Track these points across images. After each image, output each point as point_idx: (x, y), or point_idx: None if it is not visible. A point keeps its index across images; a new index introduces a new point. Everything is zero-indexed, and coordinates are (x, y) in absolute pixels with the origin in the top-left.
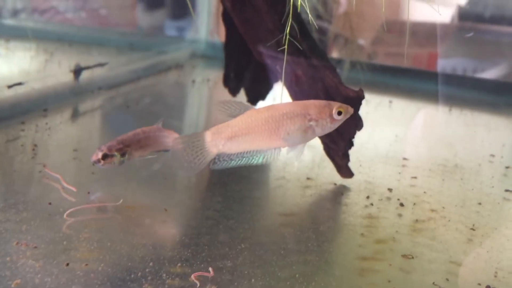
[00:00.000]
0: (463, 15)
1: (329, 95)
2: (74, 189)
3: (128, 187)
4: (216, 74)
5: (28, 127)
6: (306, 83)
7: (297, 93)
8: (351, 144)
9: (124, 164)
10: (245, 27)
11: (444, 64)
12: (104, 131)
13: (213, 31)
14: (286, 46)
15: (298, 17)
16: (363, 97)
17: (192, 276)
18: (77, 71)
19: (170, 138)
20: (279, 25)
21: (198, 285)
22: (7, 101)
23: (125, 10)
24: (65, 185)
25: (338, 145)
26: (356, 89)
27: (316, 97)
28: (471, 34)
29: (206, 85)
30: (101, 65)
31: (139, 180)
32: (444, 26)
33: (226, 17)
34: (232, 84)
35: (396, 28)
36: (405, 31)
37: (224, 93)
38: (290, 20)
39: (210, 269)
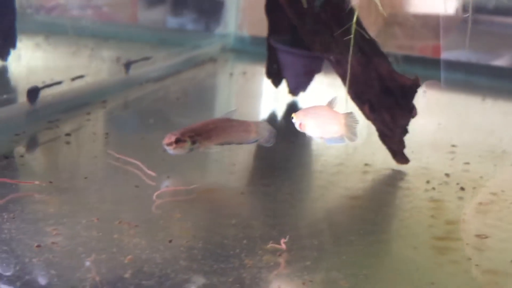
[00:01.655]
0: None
1: (383, 83)
2: (153, 174)
3: (201, 172)
4: (251, 67)
5: (93, 117)
6: (360, 72)
7: (351, 83)
8: (405, 131)
9: (192, 152)
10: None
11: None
12: (162, 121)
13: (242, 25)
14: (352, 38)
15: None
16: (419, 85)
17: (282, 243)
18: (127, 65)
19: (242, 129)
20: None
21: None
22: (72, 93)
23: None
24: (146, 170)
25: (393, 132)
26: (412, 77)
27: (370, 86)
28: (467, 15)
29: (243, 77)
30: (146, 58)
31: (209, 166)
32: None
33: (269, 10)
34: (274, 75)
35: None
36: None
37: (265, 85)
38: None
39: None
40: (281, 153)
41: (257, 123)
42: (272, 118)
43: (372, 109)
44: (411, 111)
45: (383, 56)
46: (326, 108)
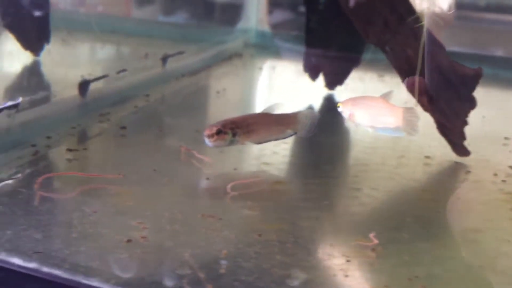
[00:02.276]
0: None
1: (442, 74)
2: (208, 160)
3: (263, 164)
4: (278, 62)
5: (141, 110)
6: (417, 63)
7: (408, 74)
8: (465, 123)
9: (233, 144)
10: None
11: None
12: (210, 114)
13: (263, 21)
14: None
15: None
16: (481, 75)
17: (373, 237)
18: (164, 59)
19: (282, 122)
20: None
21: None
22: (118, 86)
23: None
24: (205, 159)
25: (454, 124)
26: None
27: (429, 77)
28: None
29: (273, 72)
30: (180, 53)
31: (269, 158)
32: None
33: (308, 4)
34: (312, 69)
35: None
36: None
37: (298, 79)
38: None
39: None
40: (333, 145)
41: (296, 115)
42: None
43: (431, 100)
44: (471, 103)
45: (441, 46)
46: (380, 99)
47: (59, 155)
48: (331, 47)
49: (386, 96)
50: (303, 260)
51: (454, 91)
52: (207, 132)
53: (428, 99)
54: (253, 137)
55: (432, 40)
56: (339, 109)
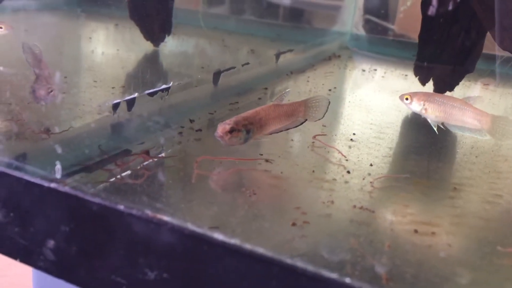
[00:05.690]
0: None
1: None
2: (344, 156)
3: (393, 162)
4: (377, 65)
5: (264, 102)
6: None
7: None
8: None
9: (247, 142)
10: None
11: None
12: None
13: (358, 24)
14: None
15: None
16: None
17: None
18: (277, 56)
19: (291, 112)
20: None
21: None
22: (242, 78)
23: None
24: (342, 154)
25: None
26: None
27: None
28: None
29: (376, 74)
30: (290, 50)
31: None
32: None
33: (424, 7)
34: (423, 73)
35: None
36: None
37: (404, 83)
38: None
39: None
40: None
41: (304, 103)
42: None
43: None
44: None
45: None
46: (461, 101)
47: (206, 137)
48: (444, 56)
49: (472, 100)
50: (468, 260)
51: None
52: (220, 131)
53: None
54: (266, 131)
55: None
56: (406, 101)
